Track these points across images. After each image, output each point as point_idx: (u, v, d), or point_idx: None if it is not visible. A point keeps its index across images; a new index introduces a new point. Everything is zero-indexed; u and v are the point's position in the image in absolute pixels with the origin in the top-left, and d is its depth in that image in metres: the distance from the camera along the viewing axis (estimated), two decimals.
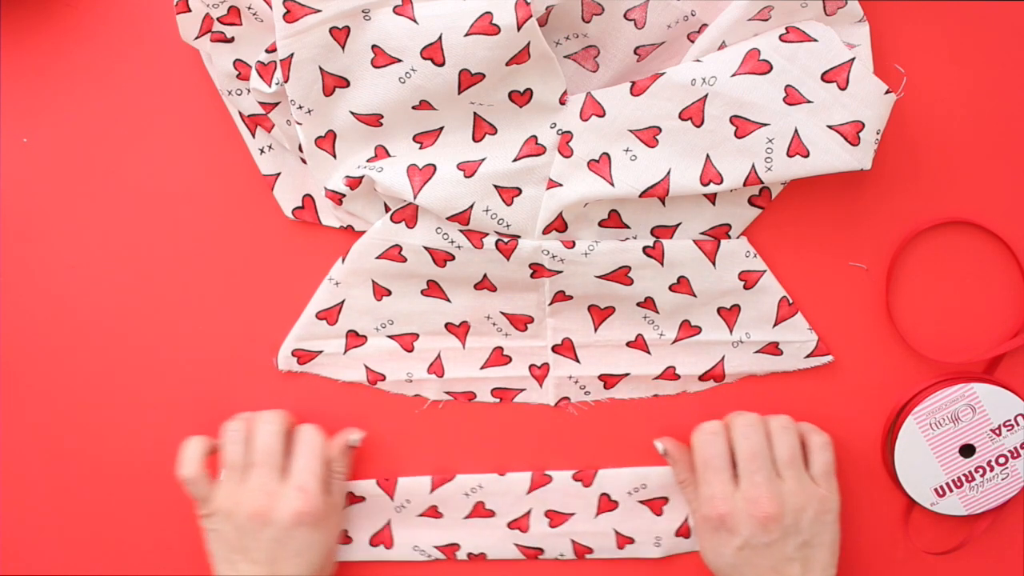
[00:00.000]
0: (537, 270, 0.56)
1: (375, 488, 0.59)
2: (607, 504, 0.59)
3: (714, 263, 0.56)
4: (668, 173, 0.53)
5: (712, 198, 0.56)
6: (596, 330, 0.58)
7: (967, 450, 0.56)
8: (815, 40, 0.52)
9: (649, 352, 0.58)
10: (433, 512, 0.59)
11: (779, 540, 0.52)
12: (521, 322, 0.58)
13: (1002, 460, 0.56)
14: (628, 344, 0.58)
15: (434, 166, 0.54)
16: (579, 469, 0.59)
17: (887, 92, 0.52)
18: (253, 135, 0.58)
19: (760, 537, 0.53)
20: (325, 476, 0.56)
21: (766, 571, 0.53)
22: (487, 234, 0.55)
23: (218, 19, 0.54)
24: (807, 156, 0.52)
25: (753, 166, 0.53)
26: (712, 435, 0.55)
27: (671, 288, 0.56)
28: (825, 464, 0.55)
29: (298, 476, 0.55)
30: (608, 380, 0.58)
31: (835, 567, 0.53)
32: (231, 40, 0.55)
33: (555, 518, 0.59)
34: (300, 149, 0.55)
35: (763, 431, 0.55)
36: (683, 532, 0.58)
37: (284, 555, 0.54)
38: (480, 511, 0.59)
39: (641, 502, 0.58)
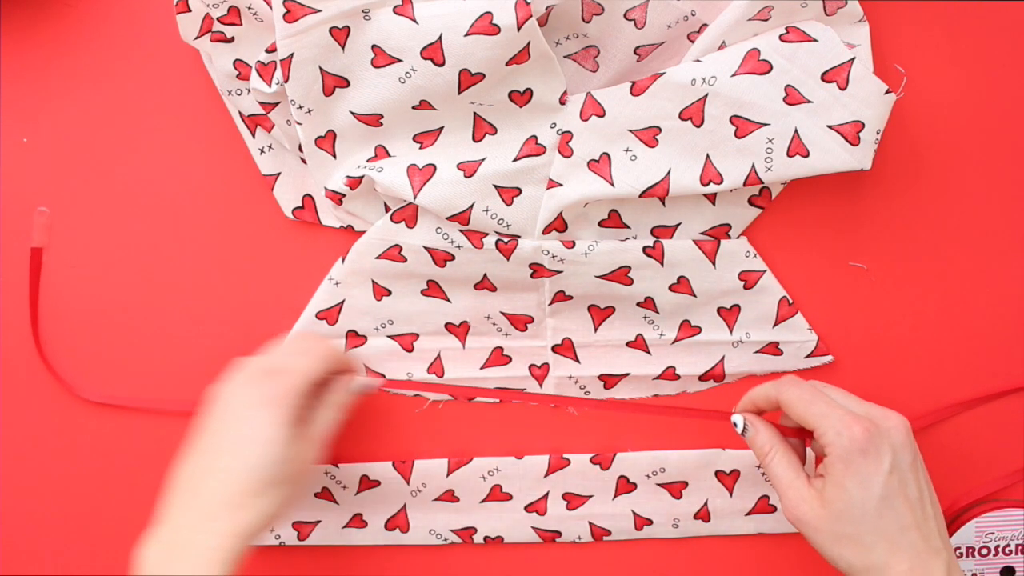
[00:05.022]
0: (537, 270, 0.56)
1: (391, 471, 0.59)
2: (625, 486, 0.59)
3: (714, 263, 0.56)
4: (668, 173, 0.53)
5: (712, 198, 0.56)
6: (596, 330, 0.58)
7: (1008, 571, 0.57)
8: (815, 40, 0.52)
9: (649, 352, 0.58)
10: (449, 496, 0.59)
11: (913, 463, 0.48)
12: (521, 322, 0.58)
13: None
14: (628, 344, 0.58)
15: (434, 166, 0.54)
16: (597, 452, 0.59)
17: (887, 92, 0.52)
18: (253, 135, 0.58)
19: (903, 454, 0.48)
20: (311, 383, 0.51)
21: (907, 512, 0.47)
22: (487, 234, 0.55)
23: (218, 19, 0.54)
24: (807, 156, 0.52)
25: (753, 166, 0.53)
26: (798, 382, 0.51)
27: (671, 288, 0.56)
28: None
29: (285, 362, 0.51)
30: (608, 380, 0.58)
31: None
32: (231, 40, 0.55)
33: (573, 500, 0.59)
34: (300, 149, 0.55)
35: None
36: (702, 515, 0.59)
37: (226, 427, 0.49)
38: (497, 494, 0.59)
39: (660, 485, 0.59)
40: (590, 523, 0.59)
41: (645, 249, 0.56)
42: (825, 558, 0.49)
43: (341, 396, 0.54)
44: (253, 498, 0.48)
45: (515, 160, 0.54)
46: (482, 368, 0.59)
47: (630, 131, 0.53)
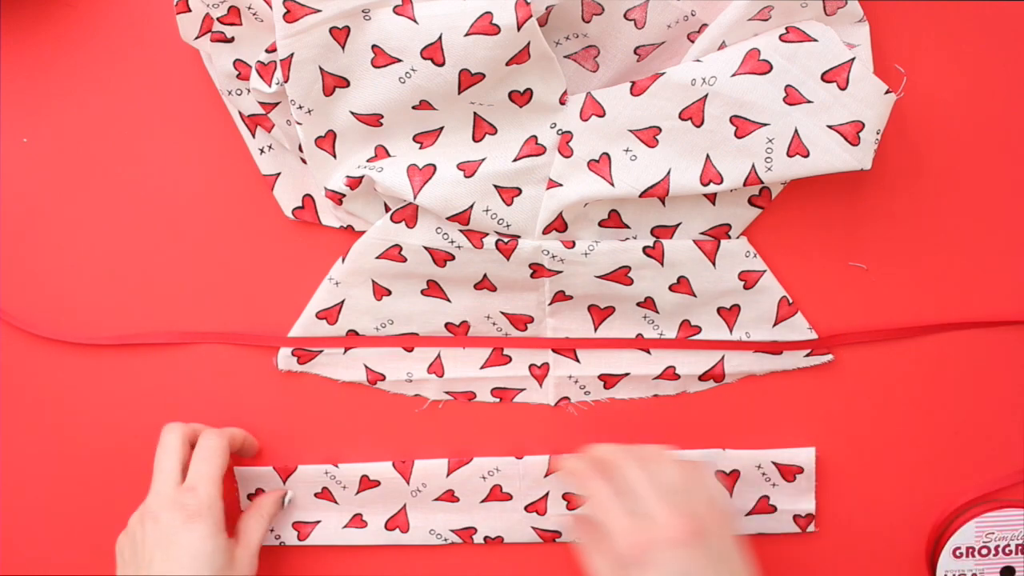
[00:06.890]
0: (537, 270, 0.56)
1: (391, 471, 0.59)
2: None
3: (714, 263, 0.56)
4: (668, 173, 0.53)
5: (712, 198, 0.56)
6: (596, 330, 0.58)
7: (1008, 571, 0.57)
8: (815, 40, 0.52)
9: (649, 352, 0.58)
10: (449, 496, 0.59)
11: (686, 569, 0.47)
12: (521, 322, 0.58)
13: None
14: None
15: (434, 166, 0.54)
16: None
17: (887, 92, 0.52)
18: (253, 135, 0.58)
19: (673, 564, 0.47)
20: (219, 480, 0.54)
21: None
22: (487, 234, 0.55)
23: (218, 19, 0.54)
24: (807, 156, 0.52)
25: (753, 166, 0.53)
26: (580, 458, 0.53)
27: (671, 288, 0.56)
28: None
29: (190, 478, 0.54)
30: (608, 380, 0.58)
31: None
32: (231, 40, 0.55)
33: (573, 501, 0.59)
34: (300, 149, 0.55)
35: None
36: None
37: (168, 556, 0.51)
38: (497, 494, 0.59)
39: None
40: None
41: (645, 249, 0.56)
42: None
43: (268, 508, 0.58)
44: None
45: (515, 160, 0.54)
46: (482, 368, 0.59)
47: (630, 131, 0.53)
